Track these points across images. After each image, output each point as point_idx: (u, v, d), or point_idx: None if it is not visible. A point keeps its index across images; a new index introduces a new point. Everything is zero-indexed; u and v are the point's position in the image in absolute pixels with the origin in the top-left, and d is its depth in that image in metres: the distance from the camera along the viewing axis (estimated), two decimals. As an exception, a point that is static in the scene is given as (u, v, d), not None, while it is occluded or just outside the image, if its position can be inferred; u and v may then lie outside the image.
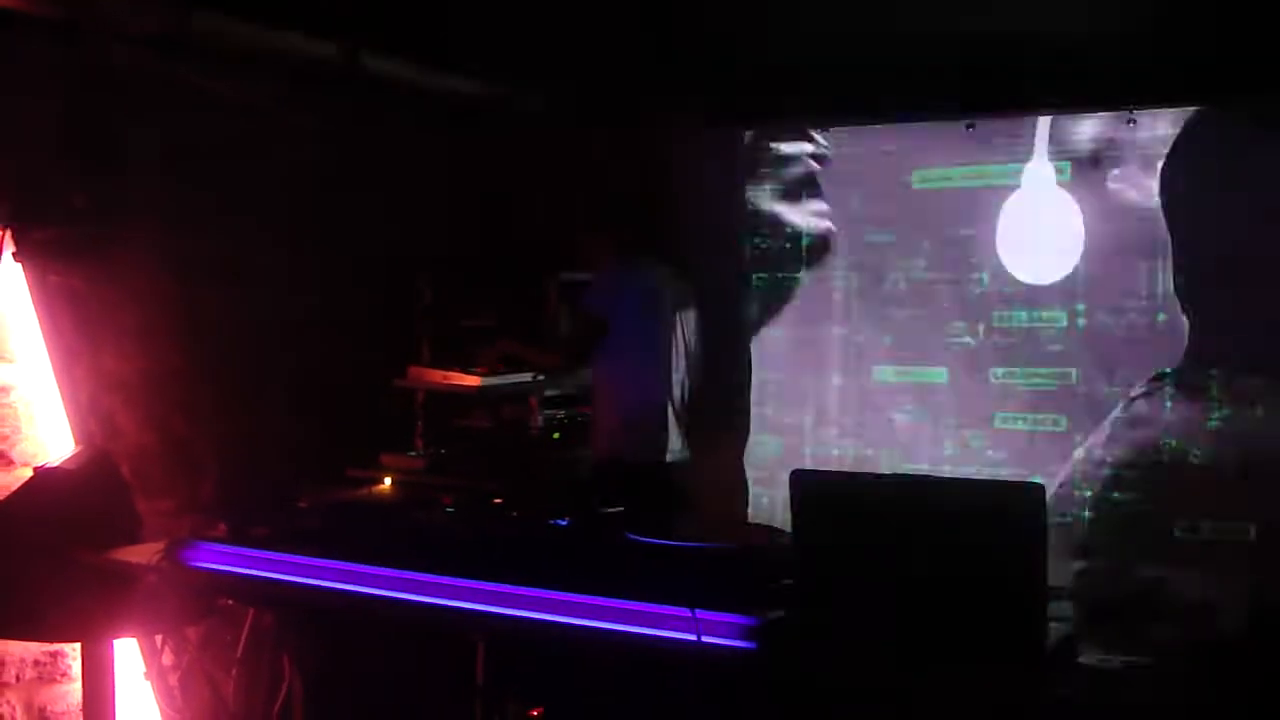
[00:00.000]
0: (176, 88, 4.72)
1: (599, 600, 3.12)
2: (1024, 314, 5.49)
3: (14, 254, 4.27)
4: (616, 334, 4.88)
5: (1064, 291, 5.41)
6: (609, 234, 5.05)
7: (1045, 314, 5.44)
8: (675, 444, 5.02)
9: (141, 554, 3.82)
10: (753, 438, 5.99)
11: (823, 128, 5.84)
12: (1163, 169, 5.17)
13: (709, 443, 5.34)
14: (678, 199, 5.85)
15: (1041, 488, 2.84)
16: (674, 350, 5.04)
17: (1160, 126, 5.19)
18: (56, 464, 4.06)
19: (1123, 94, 5.17)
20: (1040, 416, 5.44)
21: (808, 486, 3.03)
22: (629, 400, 4.94)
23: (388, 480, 4.41)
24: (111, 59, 4.53)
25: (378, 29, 5.06)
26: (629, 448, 4.91)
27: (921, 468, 5.60)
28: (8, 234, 4.26)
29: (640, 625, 3.04)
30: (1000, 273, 5.53)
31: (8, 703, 4.29)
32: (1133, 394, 5.23)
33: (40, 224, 4.34)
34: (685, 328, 5.10)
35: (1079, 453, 5.30)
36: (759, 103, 5.67)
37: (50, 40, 4.37)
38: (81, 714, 4.08)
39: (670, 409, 5.01)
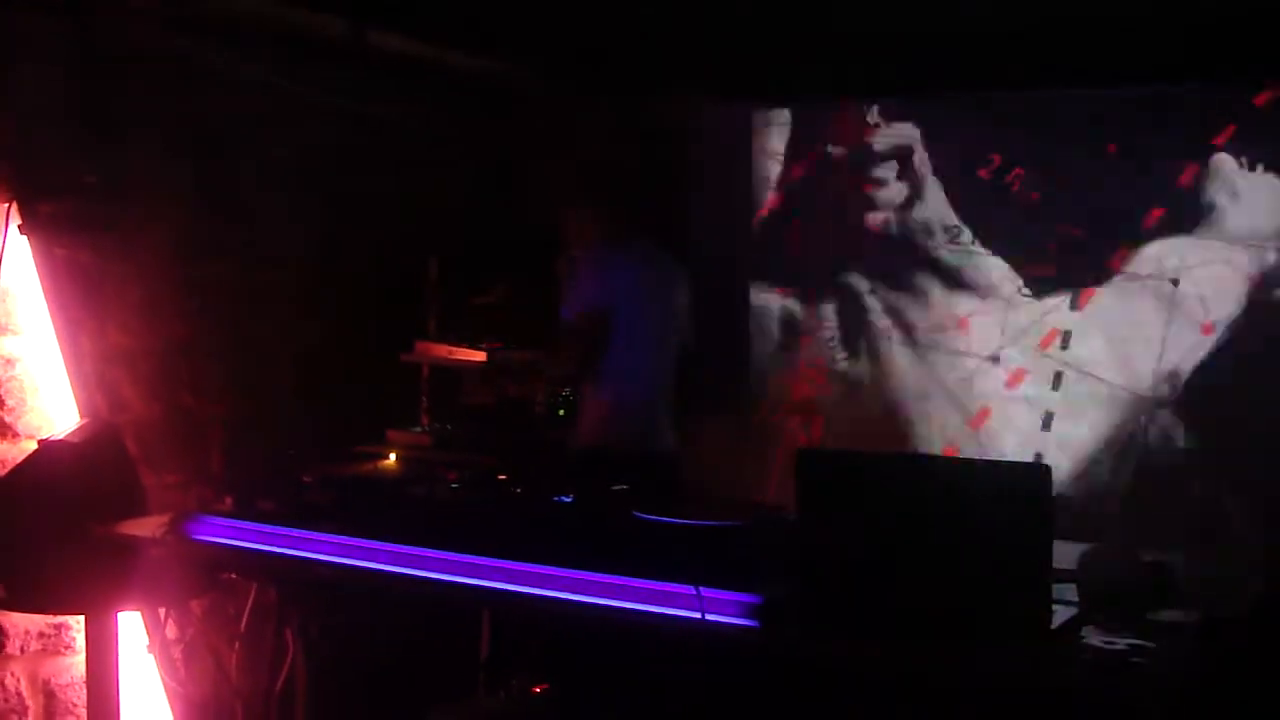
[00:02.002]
0: (185, 63, 4.71)
1: (603, 577, 3.11)
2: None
3: (20, 227, 4.26)
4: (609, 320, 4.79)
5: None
6: (598, 211, 4.95)
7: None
8: (665, 433, 4.94)
9: (146, 527, 3.82)
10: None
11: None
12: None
13: (708, 425, 5.33)
14: (683, 174, 5.82)
15: (1048, 468, 2.83)
16: (664, 335, 4.94)
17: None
18: (62, 437, 4.06)
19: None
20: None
21: (813, 465, 3.02)
22: (616, 389, 4.83)
23: (393, 456, 4.41)
24: (120, 34, 4.52)
25: (384, 4, 5.05)
26: (614, 438, 4.81)
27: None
28: (14, 207, 4.26)
29: (644, 602, 3.03)
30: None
31: (12, 674, 4.30)
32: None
33: (47, 197, 4.33)
34: (677, 310, 5.01)
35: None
36: (776, 75, 5.62)
37: (58, 14, 4.36)
38: (85, 686, 4.09)
39: (660, 397, 4.92)
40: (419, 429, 5.02)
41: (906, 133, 5.82)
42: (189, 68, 4.72)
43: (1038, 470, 2.86)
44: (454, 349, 5.13)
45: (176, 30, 4.65)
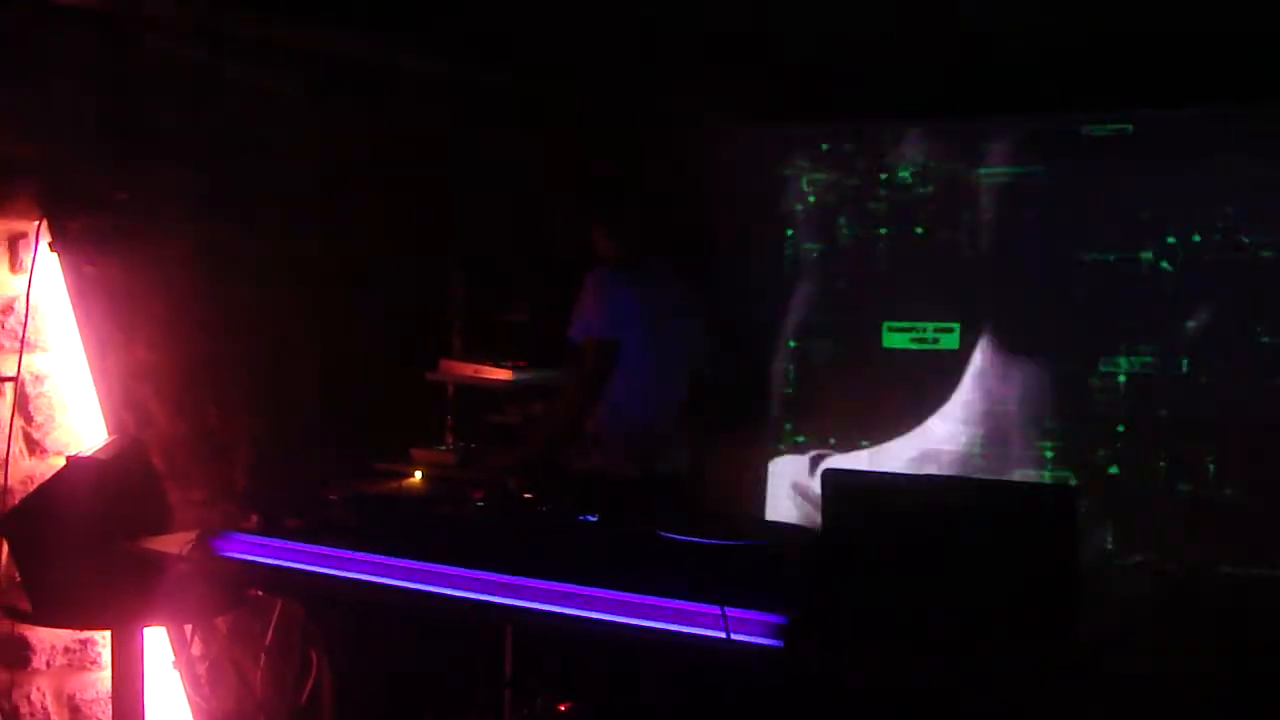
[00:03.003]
0: (213, 78, 4.75)
1: (628, 596, 3.12)
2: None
3: (50, 244, 4.29)
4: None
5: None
6: (613, 229, 4.82)
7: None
8: (675, 456, 4.82)
9: (172, 543, 3.83)
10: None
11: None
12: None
13: (727, 450, 5.30)
14: (706, 199, 5.79)
15: (1074, 490, 2.84)
16: (674, 358, 4.80)
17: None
18: (89, 453, 4.08)
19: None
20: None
21: (838, 485, 3.02)
22: (625, 414, 4.68)
23: (418, 474, 4.42)
24: (148, 50, 4.56)
25: (411, 24, 5.07)
26: (615, 460, 4.69)
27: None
28: (44, 224, 4.29)
29: (669, 622, 3.04)
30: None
31: (37, 689, 4.32)
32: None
33: (76, 214, 4.36)
34: (691, 333, 4.88)
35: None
36: (798, 99, 5.58)
37: (87, 31, 4.39)
38: (110, 702, 4.10)
39: (670, 422, 4.80)
40: (443, 447, 5.02)
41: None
42: (217, 83, 4.76)
43: (1063, 492, 2.86)
44: (479, 367, 5.13)
45: (205, 46, 4.68)
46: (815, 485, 5.19)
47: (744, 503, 5.64)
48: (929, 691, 2.79)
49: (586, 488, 4.57)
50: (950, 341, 5.37)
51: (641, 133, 5.73)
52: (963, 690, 2.75)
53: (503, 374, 5.10)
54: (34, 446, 4.31)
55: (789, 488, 5.66)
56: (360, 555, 3.52)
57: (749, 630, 2.94)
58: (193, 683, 4.47)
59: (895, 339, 5.49)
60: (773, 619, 2.94)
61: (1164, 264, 4.96)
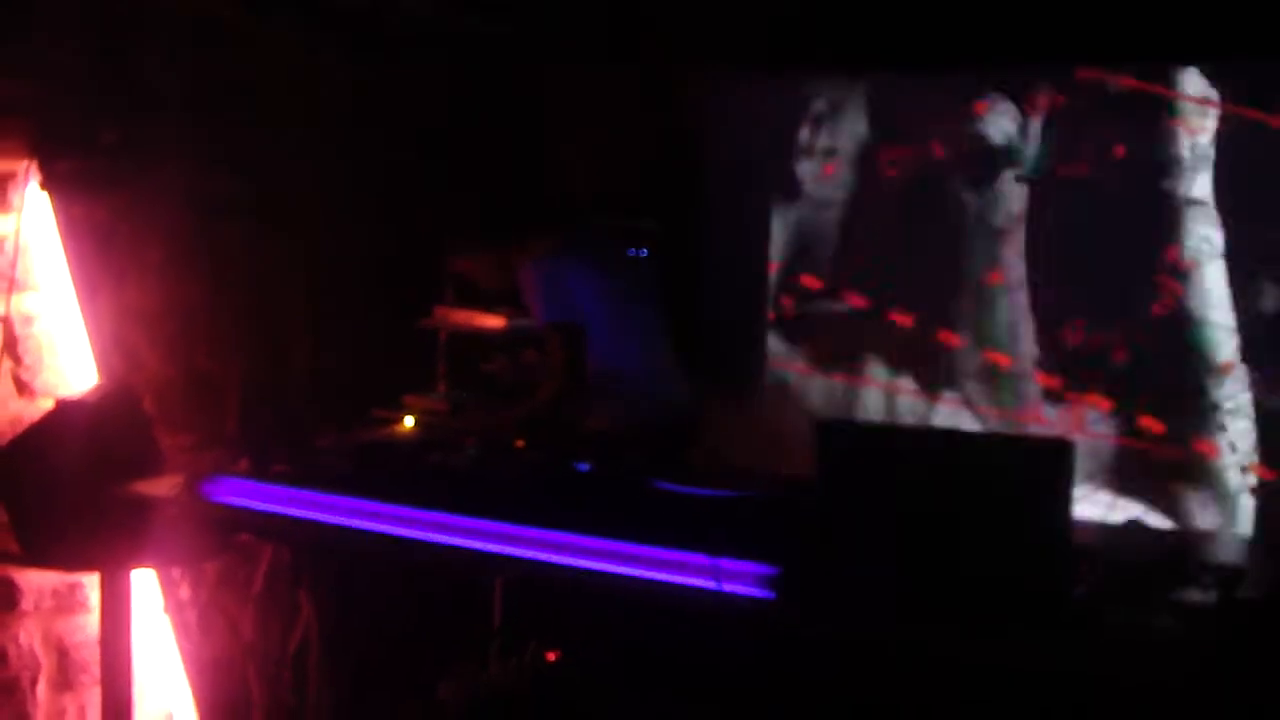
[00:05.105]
0: (207, 23, 4.69)
1: (619, 545, 3.11)
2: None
3: (40, 184, 4.26)
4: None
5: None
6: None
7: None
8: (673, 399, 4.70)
9: (162, 487, 3.83)
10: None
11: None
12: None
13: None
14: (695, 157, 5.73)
15: (1070, 444, 2.81)
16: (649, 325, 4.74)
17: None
18: (78, 396, 4.06)
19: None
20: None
21: (834, 437, 3.01)
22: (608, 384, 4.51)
23: (409, 420, 4.40)
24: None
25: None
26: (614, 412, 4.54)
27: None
28: (34, 164, 4.25)
29: (660, 571, 3.03)
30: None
31: (25, 631, 4.30)
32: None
33: (67, 155, 4.32)
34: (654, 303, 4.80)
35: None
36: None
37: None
38: (99, 645, 4.10)
39: (656, 379, 4.67)
40: (436, 395, 5.00)
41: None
42: (211, 28, 4.70)
43: (1060, 447, 2.84)
44: (472, 315, 5.10)
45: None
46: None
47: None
48: (923, 647, 2.78)
49: (583, 438, 4.53)
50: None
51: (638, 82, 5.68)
52: (958, 646, 2.74)
53: (496, 321, 5.07)
54: (23, 388, 4.27)
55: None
56: (349, 501, 3.51)
57: (740, 581, 2.93)
58: (181, 627, 4.46)
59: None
60: (764, 570, 2.92)
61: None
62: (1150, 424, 5.08)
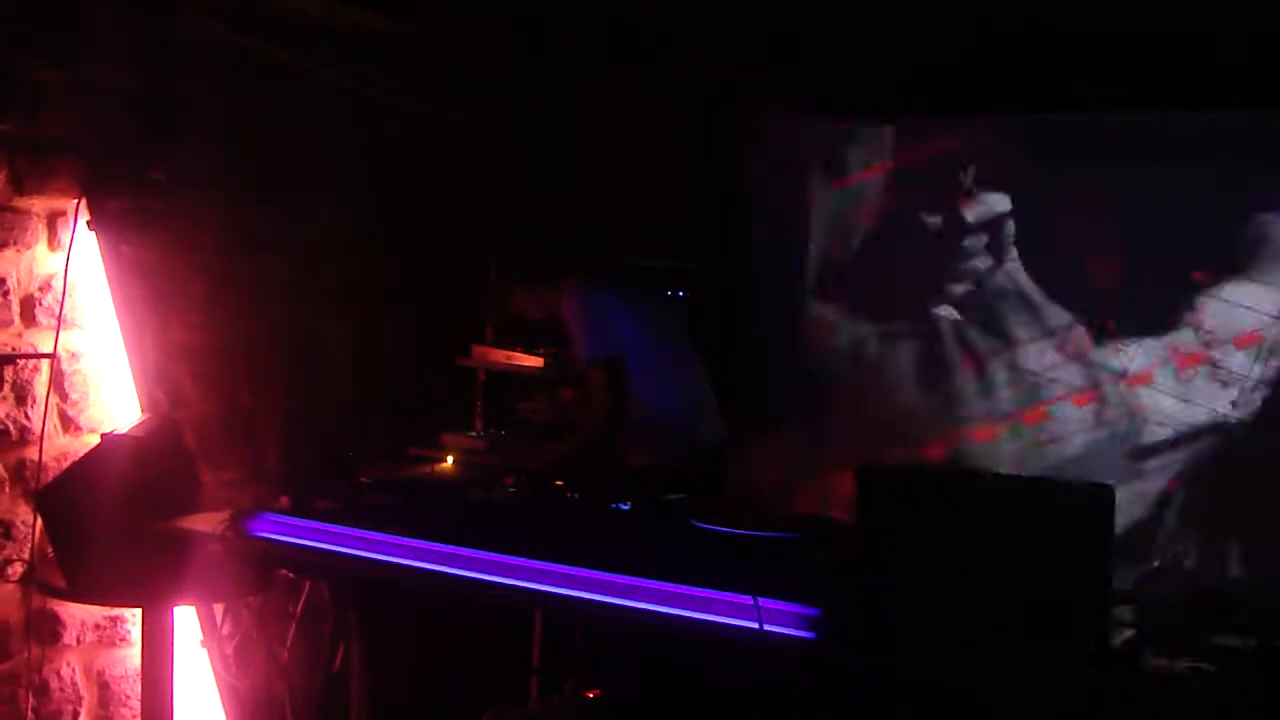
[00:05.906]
0: (251, 61, 4.75)
1: (659, 584, 3.12)
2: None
3: (88, 222, 4.31)
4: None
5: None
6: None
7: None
8: (711, 438, 4.75)
9: (204, 523, 3.85)
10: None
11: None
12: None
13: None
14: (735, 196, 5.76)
15: (1111, 490, 2.82)
16: (685, 360, 4.77)
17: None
18: (124, 431, 4.10)
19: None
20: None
21: (873, 480, 3.02)
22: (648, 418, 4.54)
23: (450, 459, 4.42)
24: (188, 31, 4.56)
25: (449, 6, 5.06)
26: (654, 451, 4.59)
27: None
28: (82, 202, 4.30)
29: (701, 611, 3.04)
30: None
31: (68, 664, 4.34)
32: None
33: (114, 194, 4.37)
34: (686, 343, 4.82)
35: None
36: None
37: (130, 11, 4.40)
38: (140, 679, 4.12)
39: (696, 416, 4.72)
40: (474, 433, 5.02)
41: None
42: (255, 65, 4.76)
43: (1100, 491, 2.85)
44: (511, 354, 5.13)
45: (244, 28, 4.69)
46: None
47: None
48: (962, 689, 2.78)
49: (622, 477, 4.54)
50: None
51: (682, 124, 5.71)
52: (996, 688, 2.75)
53: (534, 361, 5.10)
54: (69, 424, 4.32)
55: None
56: (391, 538, 3.53)
57: (781, 621, 2.94)
58: (221, 662, 4.49)
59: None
60: (806, 611, 2.93)
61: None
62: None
